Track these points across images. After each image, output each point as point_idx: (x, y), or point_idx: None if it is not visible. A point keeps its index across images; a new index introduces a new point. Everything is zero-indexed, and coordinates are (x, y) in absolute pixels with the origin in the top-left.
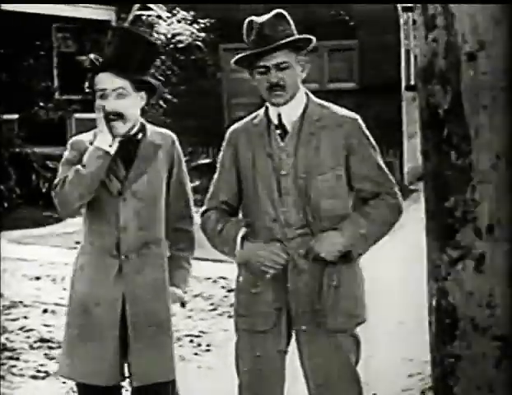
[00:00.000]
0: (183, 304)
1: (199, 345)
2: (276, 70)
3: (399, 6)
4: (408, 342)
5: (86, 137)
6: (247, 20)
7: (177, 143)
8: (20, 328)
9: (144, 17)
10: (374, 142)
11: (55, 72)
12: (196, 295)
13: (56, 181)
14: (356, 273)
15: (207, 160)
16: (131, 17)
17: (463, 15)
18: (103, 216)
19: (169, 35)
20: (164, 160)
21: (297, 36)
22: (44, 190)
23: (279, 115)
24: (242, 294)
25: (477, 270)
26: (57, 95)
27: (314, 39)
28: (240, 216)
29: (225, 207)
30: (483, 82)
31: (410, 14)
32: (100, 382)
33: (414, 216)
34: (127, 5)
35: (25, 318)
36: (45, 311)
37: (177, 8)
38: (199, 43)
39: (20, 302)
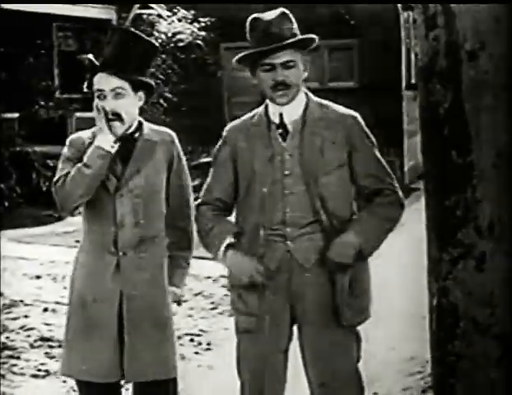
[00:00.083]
0: (179, 303)
1: (199, 344)
2: (283, 68)
3: (399, 5)
4: (409, 341)
5: (84, 134)
6: (251, 17)
7: (177, 141)
8: (21, 327)
9: (145, 16)
10: (373, 138)
11: (56, 70)
12: (196, 294)
13: (56, 178)
14: (366, 269)
15: (207, 159)
16: (131, 16)
17: (463, 14)
18: (101, 214)
19: (169, 34)
20: (163, 157)
21: (304, 35)
22: (44, 189)
23: (281, 114)
24: (241, 291)
25: (477, 269)
26: (57, 94)
27: (317, 38)
28: (234, 214)
29: (219, 204)
30: (484, 81)
31: (410, 13)
32: (99, 379)
33: (415, 214)
34: (127, 4)
35: (26, 316)
36: (46, 310)
37: (177, 7)
38: (200, 42)
39: (21, 301)
